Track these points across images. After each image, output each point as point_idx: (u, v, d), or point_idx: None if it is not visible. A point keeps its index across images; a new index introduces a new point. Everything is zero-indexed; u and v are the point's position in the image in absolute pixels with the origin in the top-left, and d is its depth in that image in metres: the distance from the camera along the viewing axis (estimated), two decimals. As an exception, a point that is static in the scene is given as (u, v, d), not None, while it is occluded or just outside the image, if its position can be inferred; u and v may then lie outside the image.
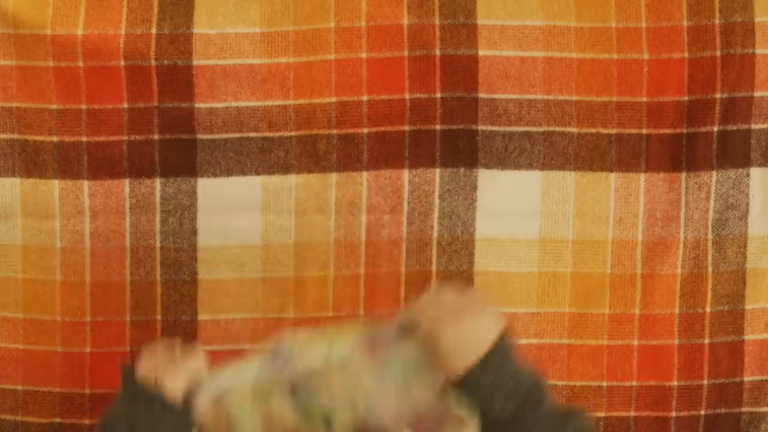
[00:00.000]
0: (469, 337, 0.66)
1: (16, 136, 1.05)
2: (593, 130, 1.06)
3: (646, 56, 1.04)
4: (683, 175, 1.06)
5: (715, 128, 1.05)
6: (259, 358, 0.81)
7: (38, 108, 1.04)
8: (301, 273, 1.06)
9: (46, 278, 1.06)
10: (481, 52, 1.04)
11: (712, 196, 1.06)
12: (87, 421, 1.06)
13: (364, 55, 1.04)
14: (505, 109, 1.05)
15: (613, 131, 1.06)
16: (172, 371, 0.79)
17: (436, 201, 1.06)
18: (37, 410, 1.07)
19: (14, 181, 1.05)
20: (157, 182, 1.05)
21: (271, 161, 1.05)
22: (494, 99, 1.04)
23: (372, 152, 1.05)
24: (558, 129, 1.05)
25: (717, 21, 1.04)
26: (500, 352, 0.67)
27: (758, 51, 1.04)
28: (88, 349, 1.06)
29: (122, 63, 1.03)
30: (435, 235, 1.06)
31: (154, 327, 1.06)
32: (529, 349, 1.07)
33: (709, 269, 1.07)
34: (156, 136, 1.05)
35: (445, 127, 1.05)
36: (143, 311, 1.06)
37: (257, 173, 1.04)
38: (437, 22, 1.04)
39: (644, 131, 1.06)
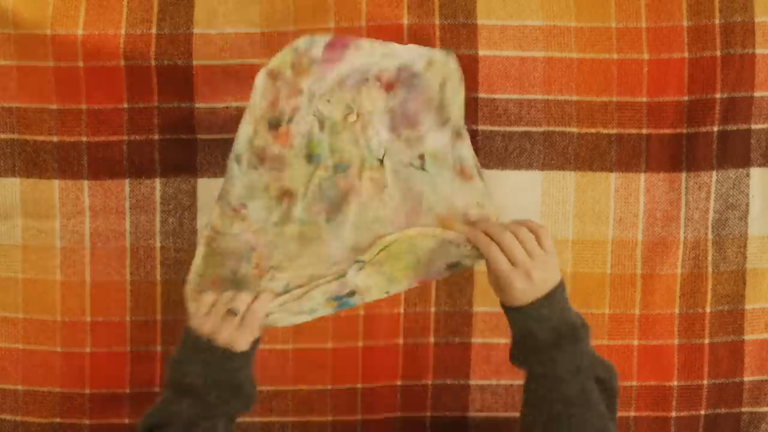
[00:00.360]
0: (547, 280, 0.80)
1: (16, 136, 1.05)
2: (593, 130, 1.06)
3: (646, 56, 1.04)
4: (683, 175, 1.06)
5: (715, 128, 1.05)
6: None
7: (38, 108, 1.04)
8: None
9: (46, 278, 1.06)
10: (481, 52, 1.04)
11: (712, 196, 1.06)
12: (87, 421, 1.06)
13: (364, 55, 1.04)
14: (505, 109, 1.05)
15: (613, 131, 1.06)
16: (230, 323, 0.84)
17: (436, 201, 1.06)
18: (37, 410, 1.07)
19: (14, 181, 1.05)
20: (157, 182, 1.05)
21: (271, 161, 1.05)
22: (494, 99, 1.04)
23: (372, 152, 1.05)
24: (558, 129, 1.05)
25: (717, 21, 1.04)
26: (557, 294, 0.81)
27: (758, 51, 1.04)
28: (88, 349, 1.06)
29: (122, 63, 1.03)
30: (435, 235, 1.06)
31: (154, 327, 1.06)
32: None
33: (709, 269, 1.07)
34: (156, 136, 1.05)
35: (445, 127, 1.05)
36: (143, 311, 1.06)
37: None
38: (437, 22, 1.04)
39: (644, 131, 1.06)
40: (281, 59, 0.88)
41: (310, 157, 0.90)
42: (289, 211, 0.90)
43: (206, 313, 0.85)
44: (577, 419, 0.76)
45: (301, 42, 0.87)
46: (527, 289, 0.80)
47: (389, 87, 0.90)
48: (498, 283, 0.82)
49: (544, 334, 0.81)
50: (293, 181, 0.90)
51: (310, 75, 0.88)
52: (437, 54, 0.91)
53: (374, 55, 0.89)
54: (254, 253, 0.90)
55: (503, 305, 0.85)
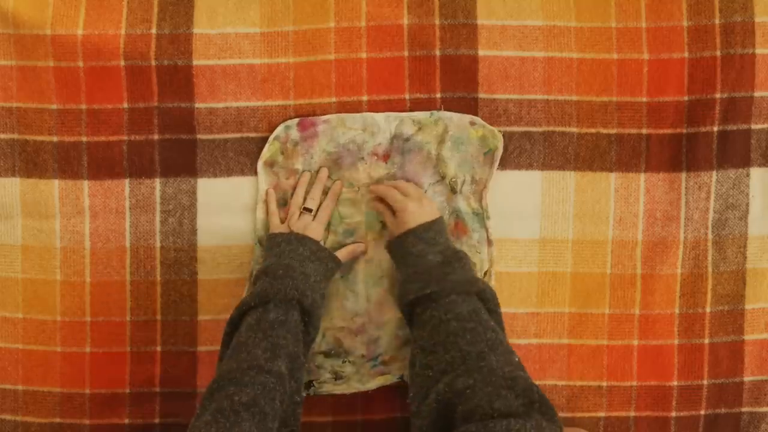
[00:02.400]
0: (423, 212, 0.95)
1: (16, 136, 1.05)
2: (593, 130, 1.06)
3: (646, 56, 1.04)
4: (683, 175, 1.06)
5: (715, 128, 1.05)
6: None
7: (38, 108, 1.04)
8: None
9: (46, 278, 1.06)
10: (481, 52, 1.04)
11: (712, 196, 1.07)
12: (87, 421, 1.07)
13: (364, 55, 1.04)
14: (505, 109, 1.05)
15: (613, 131, 1.06)
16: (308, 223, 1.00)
17: (436, 201, 1.07)
18: (37, 410, 1.07)
19: (14, 181, 1.05)
20: (157, 182, 1.05)
21: (271, 161, 1.06)
22: (494, 99, 1.04)
23: (372, 152, 1.06)
24: (558, 129, 1.05)
25: (717, 21, 1.04)
26: (440, 224, 0.95)
27: (758, 51, 1.04)
28: (88, 349, 1.06)
29: (122, 63, 1.03)
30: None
31: (154, 327, 1.06)
32: (528, 349, 1.07)
33: (709, 269, 1.07)
34: (156, 136, 1.05)
35: (445, 127, 1.06)
36: (143, 311, 1.06)
37: (257, 173, 1.04)
38: (437, 22, 1.04)
39: (644, 131, 1.06)
40: (271, 149, 1.03)
41: None
42: None
43: (282, 221, 1.01)
44: (472, 333, 0.80)
45: (279, 130, 1.02)
46: (416, 211, 0.94)
47: (386, 157, 1.03)
48: (395, 218, 0.96)
49: (434, 256, 0.91)
50: None
51: (299, 155, 1.02)
52: (421, 116, 1.03)
53: (357, 130, 1.02)
54: None
55: (396, 246, 0.95)
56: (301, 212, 1.01)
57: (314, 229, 0.99)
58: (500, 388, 0.71)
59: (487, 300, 0.87)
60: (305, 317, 0.89)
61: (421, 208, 0.95)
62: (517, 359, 0.78)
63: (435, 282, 0.87)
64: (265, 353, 0.80)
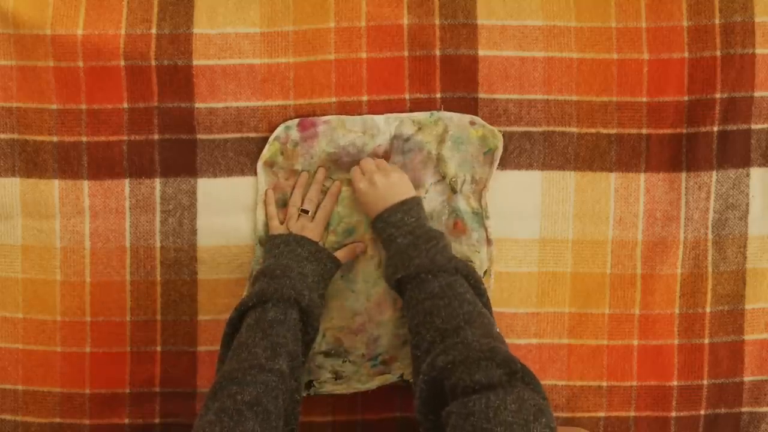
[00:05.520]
0: (397, 191, 0.96)
1: (16, 136, 1.05)
2: (593, 130, 1.06)
3: (646, 56, 1.04)
4: (683, 175, 1.06)
5: (715, 128, 1.05)
6: None
7: (38, 108, 1.04)
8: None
9: (46, 278, 1.06)
10: (481, 52, 1.04)
11: (712, 196, 1.07)
12: (87, 421, 1.07)
13: (364, 55, 1.04)
14: (505, 109, 1.05)
15: (613, 131, 1.06)
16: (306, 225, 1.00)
17: (436, 201, 1.07)
18: (37, 410, 1.07)
19: (14, 181, 1.05)
20: (157, 182, 1.05)
21: (271, 161, 1.06)
22: (494, 99, 1.04)
23: (372, 152, 1.06)
24: (558, 129, 1.05)
25: (717, 21, 1.04)
26: (412, 204, 0.95)
27: (758, 51, 1.04)
28: (88, 349, 1.06)
29: (122, 63, 1.03)
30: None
31: (154, 327, 1.06)
32: (529, 349, 1.07)
33: (709, 269, 1.07)
34: (156, 136, 1.05)
35: (445, 127, 1.06)
36: (143, 311, 1.06)
37: (257, 173, 1.04)
38: (437, 22, 1.04)
39: (644, 131, 1.06)
40: (271, 149, 1.03)
41: None
42: None
43: (281, 222, 1.02)
44: (447, 309, 0.81)
45: (279, 130, 1.02)
46: (375, 193, 0.96)
47: (386, 157, 1.03)
48: (363, 200, 0.98)
49: (403, 238, 0.92)
50: None
51: (298, 156, 1.02)
52: (421, 117, 1.02)
53: (357, 133, 1.02)
54: None
55: (373, 231, 0.98)
56: (299, 214, 1.01)
57: (312, 230, 0.99)
58: (479, 360, 0.71)
59: (468, 276, 0.88)
60: (303, 317, 0.89)
61: (374, 192, 0.96)
62: (497, 331, 0.79)
63: (402, 267, 0.89)
64: (265, 352, 0.81)
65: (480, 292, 0.88)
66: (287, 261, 0.94)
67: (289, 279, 0.90)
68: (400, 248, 0.92)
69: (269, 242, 0.99)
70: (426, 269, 0.87)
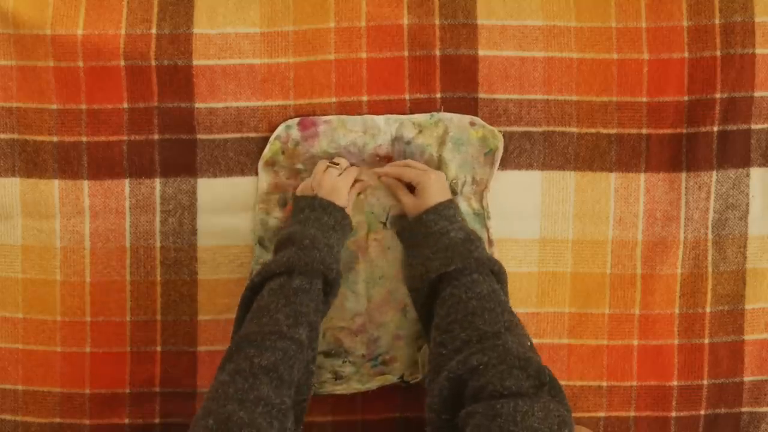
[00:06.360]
0: (442, 188, 0.97)
1: (16, 136, 1.05)
2: (593, 130, 1.06)
3: (646, 56, 1.04)
4: (683, 175, 1.06)
5: (715, 128, 1.05)
6: None
7: (38, 108, 1.04)
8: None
9: (46, 278, 1.06)
10: (481, 52, 1.04)
11: (712, 196, 1.07)
12: (87, 421, 1.07)
13: (364, 55, 1.04)
14: (505, 109, 1.05)
15: (613, 131, 1.06)
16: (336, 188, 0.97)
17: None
18: (37, 410, 1.07)
19: (14, 181, 1.05)
20: (157, 182, 1.05)
21: (271, 161, 1.06)
22: (494, 99, 1.04)
23: (372, 152, 1.06)
24: (558, 129, 1.05)
25: (717, 21, 1.04)
26: (454, 205, 0.96)
27: (758, 51, 1.04)
28: (88, 349, 1.06)
29: (122, 63, 1.03)
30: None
31: (154, 327, 1.06)
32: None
33: (709, 269, 1.07)
34: (156, 136, 1.05)
35: (445, 127, 1.06)
36: (143, 311, 1.06)
37: (257, 173, 1.04)
38: (437, 22, 1.04)
39: (644, 131, 1.06)
40: (272, 149, 1.03)
41: None
42: None
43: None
44: (491, 313, 0.81)
45: (280, 129, 1.02)
46: (435, 186, 0.96)
47: (388, 159, 1.03)
48: (415, 195, 0.97)
49: (456, 233, 0.92)
50: None
51: (300, 155, 1.02)
52: (421, 119, 1.03)
53: (358, 132, 1.02)
54: None
55: (415, 224, 0.95)
56: (327, 166, 0.98)
57: (340, 189, 0.97)
58: (513, 367, 0.71)
59: (502, 282, 0.88)
60: (327, 288, 0.88)
61: (440, 183, 0.97)
62: (530, 343, 0.79)
63: (459, 259, 0.87)
64: (287, 319, 0.80)
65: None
66: (314, 231, 0.92)
67: (318, 251, 0.88)
68: (454, 242, 0.90)
69: (295, 204, 0.98)
70: (481, 267, 0.86)
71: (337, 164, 0.99)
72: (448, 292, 0.85)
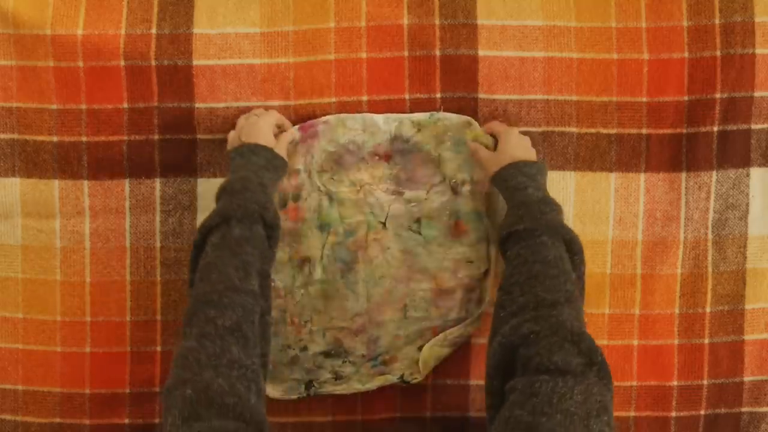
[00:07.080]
0: (524, 146, 0.98)
1: (16, 136, 1.05)
2: (593, 130, 1.06)
3: (646, 56, 1.04)
4: (683, 175, 1.06)
5: (715, 128, 1.05)
6: None
7: (38, 108, 1.04)
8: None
9: (46, 278, 1.06)
10: (481, 52, 1.04)
11: (712, 196, 1.07)
12: (87, 421, 1.07)
13: (364, 55, 1.04)
14: (505, 109, 1.05)
15: (613, 131, 1.06)
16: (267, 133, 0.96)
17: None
18: (37, 410, 1.07)
19: (14, 181, 1.05)
20: (157, 182, 1.05)
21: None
22: (494, 99, 1.04)
23: (372, 152, 1.06)
24: (558, 129, 1.05)
25: (717, 21, 1.04)
26: (538, 167, 0.95)
27: (758, 51, 1.04)
28: (88, 349, 1.06)
29: (122, 63, 1.03)
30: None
31: (154, 327, 1.06)
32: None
33: (709, 269, 1.07)
34: (156, 136, 1.05)
35: (445, 127, 1.06)
36: (143, 311, 1.06)
37: None
38: (437, 22, 1.04)
39: (644, 131, 1.06)
40: None
41: (322, 227, 1.03)
42: (310, 274, 1.03)
43: (235, 132, 0.99)
44: (553, 280, 0.78)
45: None
46: (518, 142, 0.97)
47: (387, 157, 1.03)
48: (495, 150, 0.98)
49: (534, 191, 0.91)
50: (310, 249, 1.03)
51: (299, 155, 1.02)
52: (420, 118, 1.03)
53: (357, 131, 1.02)
54: (287, 313, 1.03)
55: (498, 179, 0.95)
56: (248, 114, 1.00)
57: (262, 127, 0.95)
58: (565, 340, 0.70)
59: (575, 252, 0.85)
60: (268, 231, 0.85)
61: (521, 141, 0.97)
62: (585, 321, 0.76)
63: (530, 219, 0.86)
64: (237, 272, 0.78)
65: (580, 273, 0.86)
66: (245, 173, 0.89)
67: (251, 192, 0.85)
68: (530, 199, 0.89)
69: (230, 162, 0.95)
70: (552, 229, 0.84)
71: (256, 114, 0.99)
72: (515, 252, 0.84)
